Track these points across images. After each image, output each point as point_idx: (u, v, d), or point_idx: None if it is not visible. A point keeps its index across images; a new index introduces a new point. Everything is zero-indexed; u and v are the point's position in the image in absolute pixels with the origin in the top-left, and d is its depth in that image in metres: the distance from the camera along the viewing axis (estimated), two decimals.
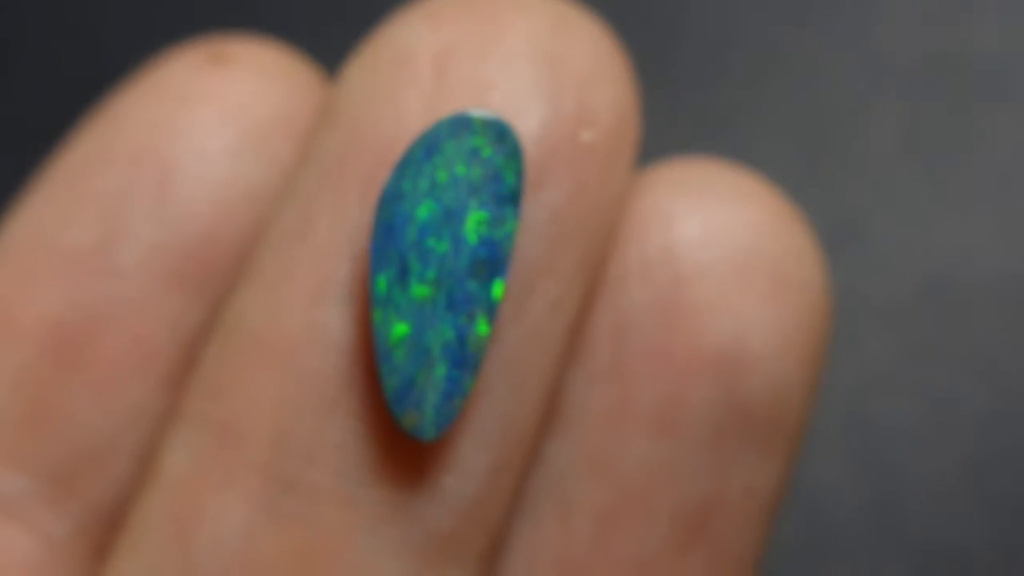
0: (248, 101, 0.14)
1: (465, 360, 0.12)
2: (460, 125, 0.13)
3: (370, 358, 0.13)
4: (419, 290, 0.12)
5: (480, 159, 0.13)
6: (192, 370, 0.13)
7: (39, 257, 0.14)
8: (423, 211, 0.12)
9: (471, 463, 0.13)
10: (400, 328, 0.12)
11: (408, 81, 0.13)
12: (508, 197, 0.12)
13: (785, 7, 0.26)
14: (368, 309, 0.13)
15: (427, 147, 0.13)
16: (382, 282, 0.12)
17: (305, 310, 0.13)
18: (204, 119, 0.14)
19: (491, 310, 0.12)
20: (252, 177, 0.14)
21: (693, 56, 0.26)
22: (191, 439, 0.13)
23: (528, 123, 0.13)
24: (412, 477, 0.13)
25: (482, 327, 0.12)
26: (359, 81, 0.13)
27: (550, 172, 0.13)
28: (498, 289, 0.12)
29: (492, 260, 0.12)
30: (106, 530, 0.14)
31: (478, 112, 0.13)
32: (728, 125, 0.25)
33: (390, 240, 0.12)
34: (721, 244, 0.13)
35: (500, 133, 0.13)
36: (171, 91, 0.14)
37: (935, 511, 0.24)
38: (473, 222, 0.12)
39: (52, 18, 0.26)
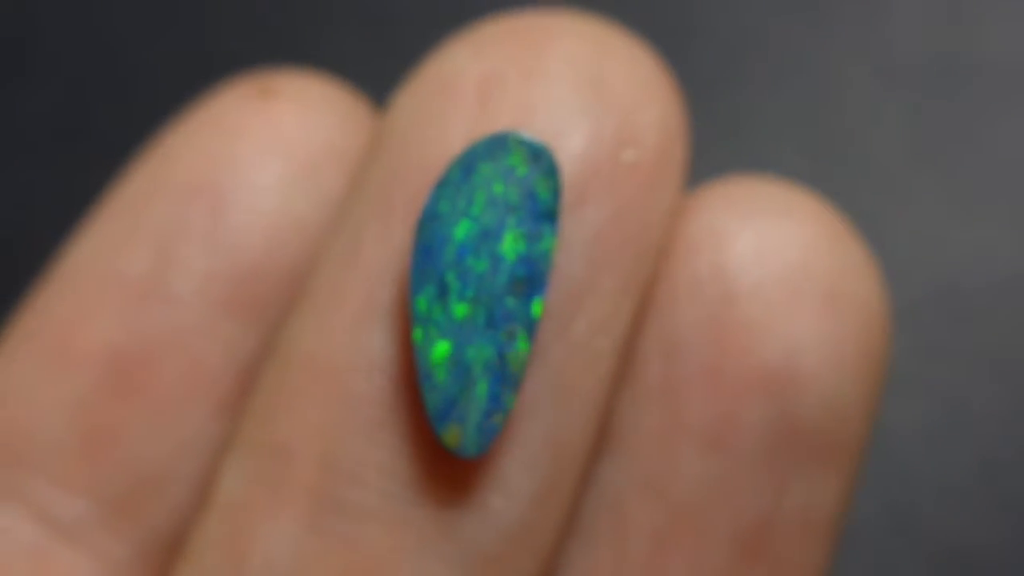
0: (297, 134, 0.14)
1: (506, 377, 0.13)
2: (496, 145, 0.13)
3: (413, 378, 0.13)
4: (459, 308, 0.13)
5: (516, 178, 0.13)
6: (248, 396, 0.14)
7: (97, 285, 0.14)
8: (461, 231, 0.13)
9: (518, 483, 0.13)
10: (441, 347, 0.13)
11: (453, 106, 0.13)
12: (545, 215, 0.13)
13: (795, 11, 0.26)
14: (410, 329, 0.13)
15: (464, 167, 0.13)
16: (422, 301, 0.13)
17: (350, 333, 0.13)
18: (254, 152, 0.14)
19: (531, 327, 0.13)
20: (302, 208, 0.14)
21: (703, 61, 0.26)
22: (245, 462, 0.13)
23: (569, 144, 0.13)
24: (459, 497, 0.13)
25: (522, 344, 0.13)
26: (406, 108, 0.13)
27: (591, 192, 0.13)
28: (537, 307, 0.13)
29: (530, 278, 0.13)
30: (165, 555, 0.14)
31: (514, 132, 0.13)
32: (738, 129, 0.25)
33: (429, 260, 0.13)
34: (772, 262, 0.13)
35: (535, 152, 0.13)
36: (222, 125, 0.14)
37: (947, 512, 0.24)
38: (510, 240, 0.13)
39: (86, 38, 0.26)
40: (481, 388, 0.13)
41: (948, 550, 0.24)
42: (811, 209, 0.14)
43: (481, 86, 0.13)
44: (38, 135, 0.25)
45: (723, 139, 0.25)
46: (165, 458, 0.14)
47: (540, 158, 0.13)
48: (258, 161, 0.14)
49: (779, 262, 0.13)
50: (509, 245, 0.13)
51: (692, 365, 0.13)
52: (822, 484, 0.14)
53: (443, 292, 0.13)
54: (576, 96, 0.13)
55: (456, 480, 0.13)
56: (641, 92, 0.13)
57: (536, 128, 0.13)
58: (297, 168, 0.14)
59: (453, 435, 0.13)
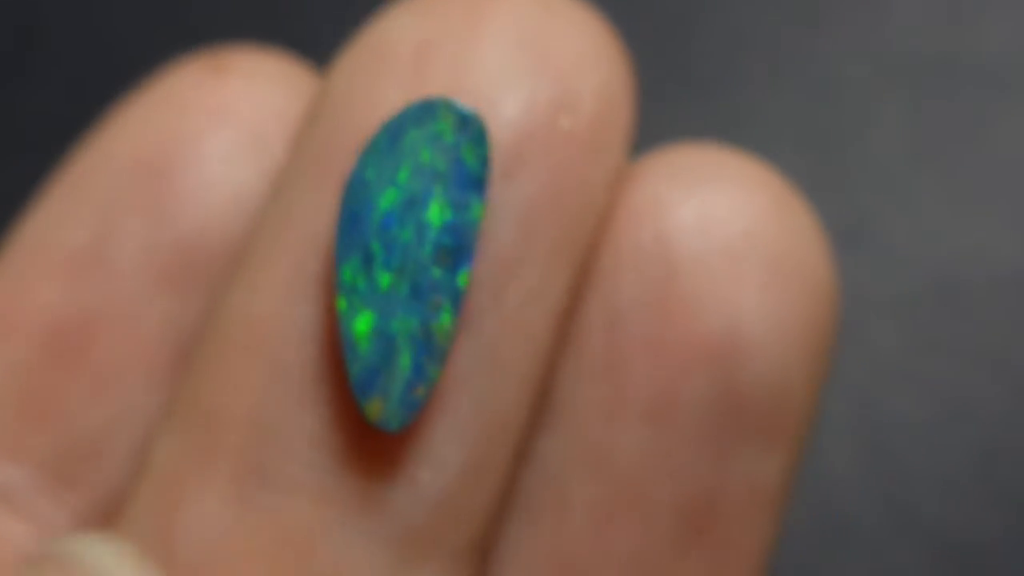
0: (246, 107, 0.14)
1: (431, 349, 0.12)
2: (425, 112, 0.13)
3: (339, 348, 0.13)
4: (384, 278, 0.12)
5: (443, 145, 0.12)
6: (184, 367, 0.14)
7: (38, 257, 0.14)
8: (386, 199, 0.12)
9: (446, 455, 0.13)
10: (365, 318, 0.12)
11: (387, 72, 0.13)
12: (472, 183, 0.12)
13: (794, 9, 0.26)
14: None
15: (392, 134, 0.13)
16: (347, 271, 0.12)
17: (280, 302, 0.13)
18: (202, 125, 0.14)
19: (456, 299, 0.12)
20: (247, 179, 0.14)
21: (703, 58, 0.26)
22: (176, 431, 0.13)
23: (504, 110, 0.13)
24: (385, 470, 0.13)
25: (446, 316, 0.12)
26: (342, 74, 0.13)
27: (525, 159, 0.13)
28: (463, 278, 0.12)
29: (457, 248, 0.12)
30: (102, 523, 0.14)
31: (445, 99, 0.13)
32: (738, 126, 0.25)
33: (355, 229, 0.12)
34: (716, 231, 0.13)
35: (464, 119, 0.12)
36: (173, 100, 0.14)
37: (945, 504, 0.24)
38: (436, 209, 0.12)
39: (61, 25, 0.26)
40: (404, 360, 0.12)
41: (945, 541, 0.24)
42: (757, 177, 0.14)
43: (417, 51, 0.13)
44: (39, 132, 0.25)
45: (722, 137, 0.25)
46: (103, 426, 0.14)
47: (469, 125, 0.12)
48: (205, 134, 0.14)
49: (722, 232, 0.13)
50: (435, 214, 0.12)
51: (634, 337, 0.13)
52: (766, 458, 0.13)
53: (368, 261, 0.12)
54: (513, 61, 0.13)
55: (382, 453, 0.13)
56: (583, 57, 0.13)
57: (470, 94, 0.13)
58: (244, 140, 0.14)
59: (376, 408, 0.12)
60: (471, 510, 0.13)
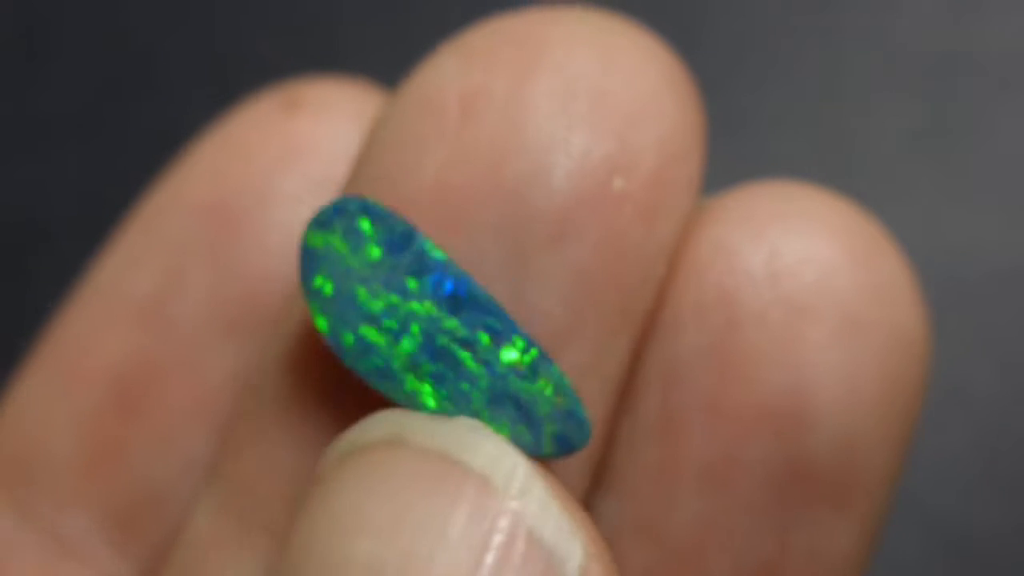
0: (317, 144, 0.14)
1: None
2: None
3: None
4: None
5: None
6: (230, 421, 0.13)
7: (106, 306, 0.14)
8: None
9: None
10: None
11: (432, 128, 0.12)
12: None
13: (800, 7, 0.26)
14: None
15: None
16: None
17: (318, 370, 0.12)
18: (272, 167, 0.14)
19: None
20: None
21: (709, 53, 0.25)
22: (216, 494, 0.13)
23: (550, 175, 0.12)
24: None
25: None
26: (389, 125, 0.12)
27: (573, 227, 0.12)
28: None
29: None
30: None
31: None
32: (740, 121, 0.25)
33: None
34: (786, 281, 0.12)
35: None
36: (244, 140, 0.14)
37: (944, 493, 0.23)
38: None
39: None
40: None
41: (946, 532, 0.24)
42: (837, 219, 0.12)
43: (463, 104, 0.12)
44: (54, 129, 0.26)
45: (727, 132, 0.25)
46: (167, 476, 0.14)
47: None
48: (274, 176, 0.14)
49: (793, 282, 0.12)
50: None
51: (692, 397, 0.12)
52: (833, 527, 0.12)
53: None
54: (565, 116, 0.12)
55: None
56: (643, 107, 0.12)
57: (517, 153, 0.12)
58: (313, 179, 0.14)
59: None
60: None
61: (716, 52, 0.25)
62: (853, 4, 0.26)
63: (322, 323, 0.12)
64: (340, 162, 0.14)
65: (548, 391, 0.11)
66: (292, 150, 0.14)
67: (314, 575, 0.11)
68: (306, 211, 0.13)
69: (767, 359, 0.12)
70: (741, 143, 0.24)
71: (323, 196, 0.14)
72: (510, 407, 0.11)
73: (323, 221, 0.12)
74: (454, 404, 0.12)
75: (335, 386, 0.12)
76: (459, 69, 0.12)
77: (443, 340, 0.12)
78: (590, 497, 0.13)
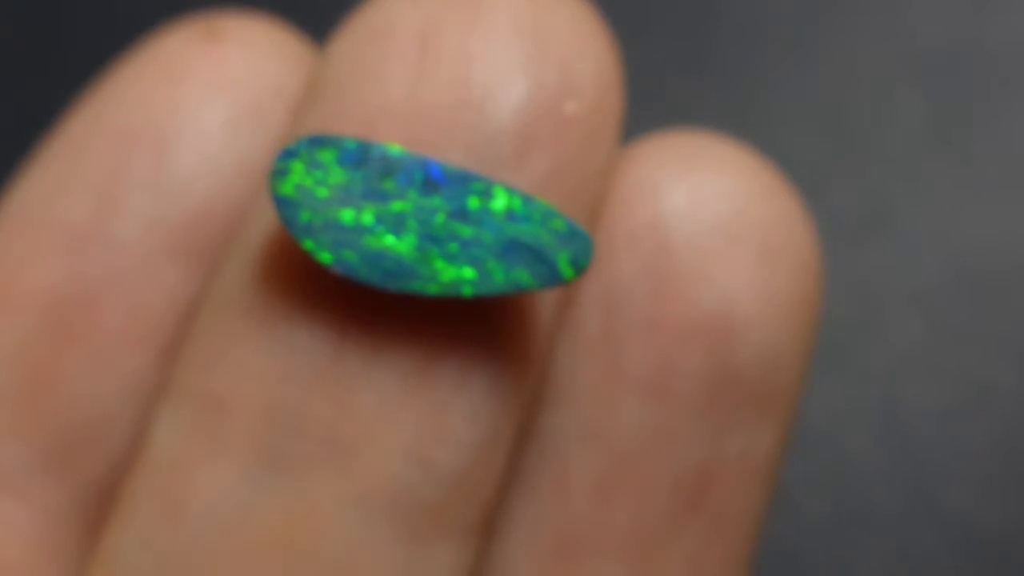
0: (242, 75, 0.14)
1: None
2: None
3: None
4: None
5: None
6: (184, 340, 0.14)
7: (37, 232, 0.14)
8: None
9: (461, 435, 0.13)
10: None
11: (392, 56, 0.13)
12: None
13: (817, 2, 0.27)
14: None
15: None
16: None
17: (292, 280, 0.13)
18: (199, 94, 0.14)
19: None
20: (246, 149, 0.14)
21: (724, 46, 0.26)
22: (180, 412, 0.13)
23: (512, 96, 0.13)
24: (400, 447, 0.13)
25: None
26: (344, 56, 0.13)
27: (534, 144, 0.13)
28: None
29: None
30: (103, 504, 0.14)
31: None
32: (759, 115, 0.26)
33: None
34: (707, 213, 0.13)
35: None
36: (166, 67, 0.14)
37: (966, 492, 0.24)
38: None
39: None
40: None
41: (967, 532, 0.24)
42: (745, 162, 0.14)
43: (420, 35, 0.13)
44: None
45: (745, 123, 0.26)
46: (106, 405, 0.14)
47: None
48: (203, 103, 0.14)
49: (713, 213, 0.14)
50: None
51: (631, 316, 0.13)
52: (759, 431, 0.14)
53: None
54: (516, 47, 0.13)
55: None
56: (580, 42, 0.13)
57: (476, 79, 0.13)
58: (242, 110, 0.14)
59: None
60: (482, 488, 0.13)
61: (734, 47, 0.26)
62: (869, 5, 0.26)
63: (326, 256, 0.12)
64: (267, 94, 0.14)
65: (544, 223, 0.12)
66: (218, 77, 0.14)
67: None
68: (238, 140, 0.14)
69: (697, 280, 0.13)
70: (762, 138, 0.25)
71: (255, 124, 0.14)
72: (520, 252, 0.12)
73: (282, 169, 0.12)
74: (471, 269, 0.12)
75: (308, 295, 0.13)
76: (410, 5, 0.13)
77: (439, 219, 0.12)
78: (533, 412, 0.14)
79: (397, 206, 0.12)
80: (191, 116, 0.14)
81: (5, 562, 0.14)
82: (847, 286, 0.25)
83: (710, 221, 0.13)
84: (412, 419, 0.13)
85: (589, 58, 0.13)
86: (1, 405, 0.14)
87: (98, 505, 0.14)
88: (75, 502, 0.14)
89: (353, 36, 0.13)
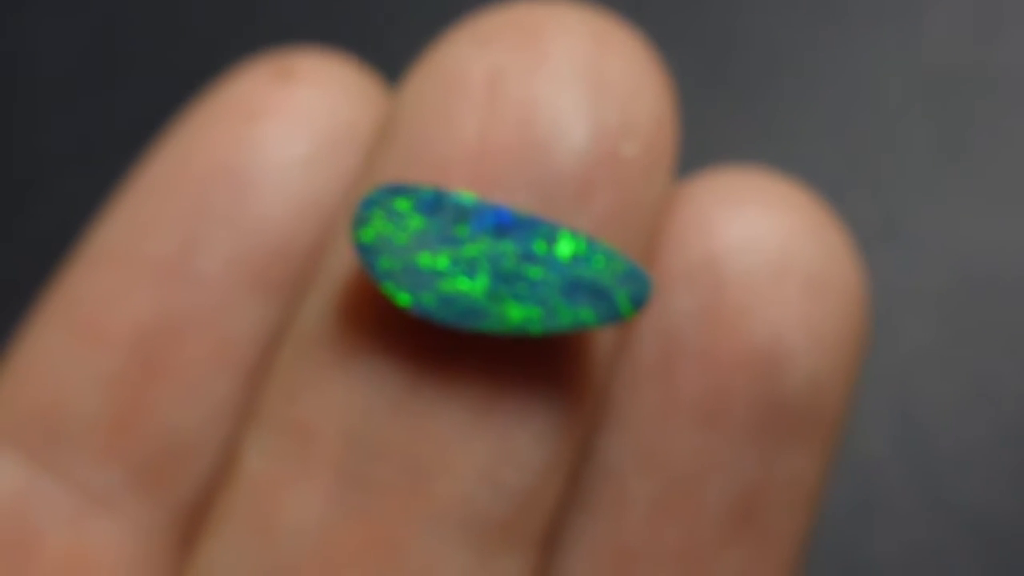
0: (316, 114, 0.15)
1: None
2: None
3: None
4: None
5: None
6: (268, 370, 0.14)
7: (124, 268, 0.15)
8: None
9: (527, 457, 0.13)
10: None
11: (461, 100, 0.13)
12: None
13: (831, 23, 0.27)
14: None
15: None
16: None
17: (370, 318, 0.13)
18: (274, 133, 0.15)
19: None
20: (321, 186, 0.15)
21: (747, 67, 0.27)
22: (268, 438, 0.14)
23: (574, 138, 0.13)
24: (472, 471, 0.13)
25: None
26: (415, 100, 0.14)
27: (595, 185, 0.13)
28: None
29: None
30: (193, 521, 0.15)
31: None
32: (780, 131, 0.26)
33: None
34: (758, 250, 0.14)
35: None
36: (242, 107, 0.15)
37: (976, 486, 0.25)
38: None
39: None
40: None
41: (977, 523, 0.24)
42: (794, 199, 0.14)
43: (487, 81, 0.13)
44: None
45: (764, 138, 0.26)
46: (193, 429, 0.14)
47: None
48: (279, 142, 0.15)
49: (764, 250, 0.14)
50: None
51: (686, 347, 0.14)
52: (805, 457, 0.14)
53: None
54: (578, 90, 0.13)
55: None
56: (638, 84, 0.14)
57: (541, 123, 0.13)
58: (316, 148, 0.15)
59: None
60: (545, 505, 0.14)
61: (753, 68, 0.26)
62: (884, 22, 0.27)
63: (404, 298, 0.13)
64: (341, 132, 0.15)
65: (605, 264, 0.13)
66: (292, 116, 0.15)
67: None
68: (313, 178, 0.14)
69: (748, 314, 0.14)
70: (782, 152, 0.26)
71: (329, 161, 0.15)
72: (584, 291, 0.13)
73: (363, 218, 0.13)
74: (538, 308, 0.13)
75: (386, 331, 0.13)
76: (477, 50, 0.14)
77: (509, 264, 0.13)
78: (592, 435, 0.14)
79: (470, 250, 0.13)
80: (268, 154, 0.15)
81: (103, 574, 0.14)
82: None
83: (761, 258, 0.14)
84: (482, 445, 0.13)
85: (646, 99, 0.14)
86: (97, 431, 0.14)
87: (188, 523, 0.15)
88: (167, 520, 0.15)
89: (424, 80, 0.14)
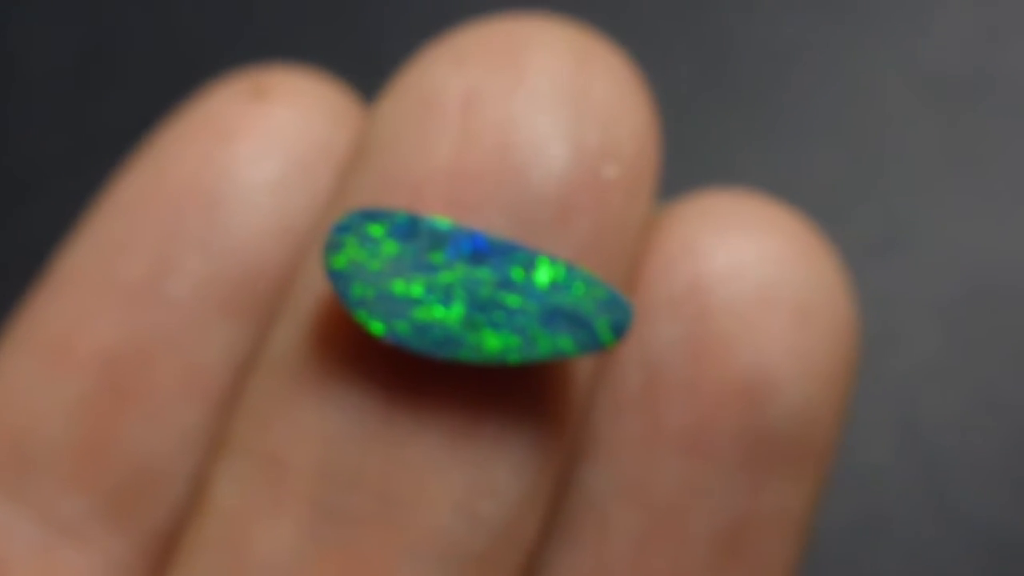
0: (289, 133, 0.15)
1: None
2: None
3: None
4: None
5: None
6: (239, 398, 0.14)
7: (94, 290, 0.14)
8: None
9: (505, 490, 0.13)
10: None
11: (436, 121, 0.13)
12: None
13: (835, 25, 0.27)
14: None
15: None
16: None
17: (343, 345, 0.13)
18: (248, 153, 0.14)
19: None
20: (294, 208, 0.14)
21: (752, 73, 0.27)
22: (239, 467, 0.13)
23: (553, 161, 0.13)
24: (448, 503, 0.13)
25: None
26: (389, 121, 0.14)
27: (575, 209, 0.13)
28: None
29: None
30: (163, 551, 0.14)
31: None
32: (785, 138, 0.26)
33: None
34: (745, 278, 0.14)
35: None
36: (216, 126, 0.15)
37: (981, 496, 0.24)
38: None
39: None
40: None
41: (981, 534, 0.24)
42: (783, 224, 0.14)
43: (463, 101, 0.13)
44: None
45: (765, 144, 0.26)
46: (163, 456, 0.14)
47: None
48: (252, 163, 0.14)
49: (751, 278, 0.14)
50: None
51: (671, 376, 0.14)
52: (794, 487, 0.14)
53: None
54: (557, 111, 0.13)
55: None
56: (620, 104, 0.13)
57: (519, 145, 0.13)
58: (291, 168, 0.14)
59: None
60: (524, 537, 0.13)
61: (758, 74, 0.26)
62: (890, 27, 0.27)
63: (377, 327, 0.13)
64: (314, 152, 0.15)
65: (585, 291, 0.13)
66: (266, 136, 0.14)
67: None
68: (287, 199, 0.14)
69: (735, 342, 0.14)
70: (787, 160, 0.26)
71: (303, 182, 0.14)
72: (562, 320, 0.13)
73: (335, 243, 0.13)
74: (516, 337, 0.13)
75: (360, 358, 0.13)
76: (453, 70, 0.13)
77: (485, 291, 0.13)
78: (573, 466, 0.14)
79: (445, 277, 0.13)
80: (240, 175, 0.14)
81: None
82: (868, 300, 0.25)
83: (748, 285, 0.14)
84: (459, 475, 0.13)
85: (628, 119, 0.13)
86: (64, 458, 0.14)
87: (158, 553, 0.14)
88: (136, 550, 0.14)
89: (398, 100, 0.14)
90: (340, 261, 0.13)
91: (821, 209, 0.25)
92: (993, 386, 0.25)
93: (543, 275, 0.13)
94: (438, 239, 0.13)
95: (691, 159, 0.25)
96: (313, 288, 0.13)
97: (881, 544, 0.24)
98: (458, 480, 0.13)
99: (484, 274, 0.13)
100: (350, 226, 0.13)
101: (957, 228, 0.26)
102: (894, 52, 0.27)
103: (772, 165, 0.26)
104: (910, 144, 0.26)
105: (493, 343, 0.13)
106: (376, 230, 0.13)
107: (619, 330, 0.13)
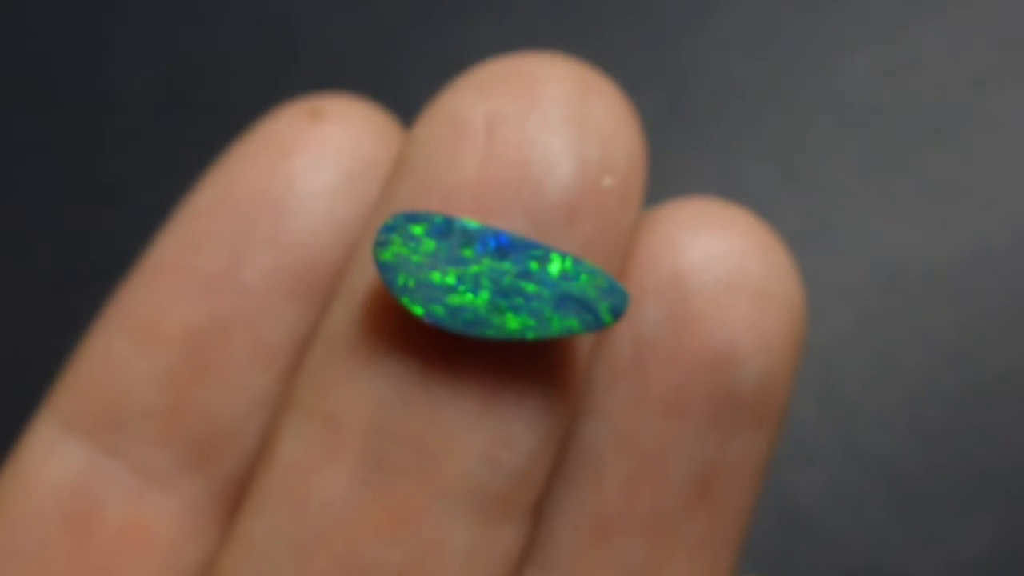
0: (341, 149, 0.14)
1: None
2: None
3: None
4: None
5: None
6: (300, 367, 0.13)
7: (179, 279, 0.14)
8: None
9: (521, 440, 0.13)
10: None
11: (464, 140, 0.13)
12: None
13: (771, 66, 0.27)
14: None
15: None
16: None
17: (388, 324, 0.13)
18: (306, 165, 0.14)
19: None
20: (346, 211, 0.14)
21: (698, 102, 0.27)
22: (301, 425, 0.13)
23: (562, 173, 0.13)
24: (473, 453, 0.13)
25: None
26: (424, 140, 0.13)
27: (580, 213, 0.13)
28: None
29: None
30: (235, 496, 0.14)
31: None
32: (728, 154, 0.26)
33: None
34: (716, 267, 0.13)
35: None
36: (279, 142, 0.14)
37: (883, 437, 0.25)
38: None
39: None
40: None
41: (882, 469, 0.25)
42: (745, 224, 0.14)
43: (486, 124, 0.13)
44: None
45: (712, 164, 0.26)
46: (235, 417, 0.14)
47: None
48: (310, 173, 0.14)
49: (721, 268, 0.14)
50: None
51: (655, 349, 0.13)
52: (754, 440, 0.14)
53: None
54: (565, 132, 0.13)
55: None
56: (615, 126, 0.13)
57: (534, 160, 0.13)
58: (342, 178, 0.14)
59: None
60: (537, 480, 0.13)
61: (705, 103, 0.26)
62: (813, 64, 0.27)
63: (418, 309, 0.12)
64: (363, 162, 0.14)
65: (589, 280, 0.13)
66: (322, 151, 0.14)
67: None
68: (339, 203, 0.14)
69: (707, 321, 0.13)
70: (730, 171, 0.26)
71: (354, 190, 0.14)
72: (571, 304, 0.13)
73: (383, 240, 0.13)
74: (532, 319, 0.12)
75: (402, 336, 0.13)
76: (478, 98, 0.13)
77: (507, 280, 0.12)
78: (574, 421, 0.13)
79: (474, 269, 0.12)
80: (300, 184, 0.14)
81: (157, 541, 0.14)
82: None
83: (718, 274, 0.13)
84: (484, 431, 0.13)
85: (623, 139, 0.13)
86: (152, 419, 0.14)
87: (232, 497, 0.14)
88: (212, 495, 0.14)
89: (432, 123, 0.13)
90: (387, 255, 0.12)
91: (757, 210, 0.25)
92: (894, 353, 0.25)
93: (555, 267, 0.12)
94: (468, 237, 0.12)
95: (654, 178, 0.25)
96: (363, 277, 0.13)
97: (803, 482, 0.24)
98: (483, 435, 0.13)
99: (506, 266, 0.12)
100: (396, 226, 0.12)
101: (865, 226, 0.26)
102: (816, 86, 0.27)
103: (719, 175, 0.26)
104: (828, 159, 0.26)
105: (514, 323, 0.12)
106: (417, 229, 0.12)
107: (618, 313, 0.12)
